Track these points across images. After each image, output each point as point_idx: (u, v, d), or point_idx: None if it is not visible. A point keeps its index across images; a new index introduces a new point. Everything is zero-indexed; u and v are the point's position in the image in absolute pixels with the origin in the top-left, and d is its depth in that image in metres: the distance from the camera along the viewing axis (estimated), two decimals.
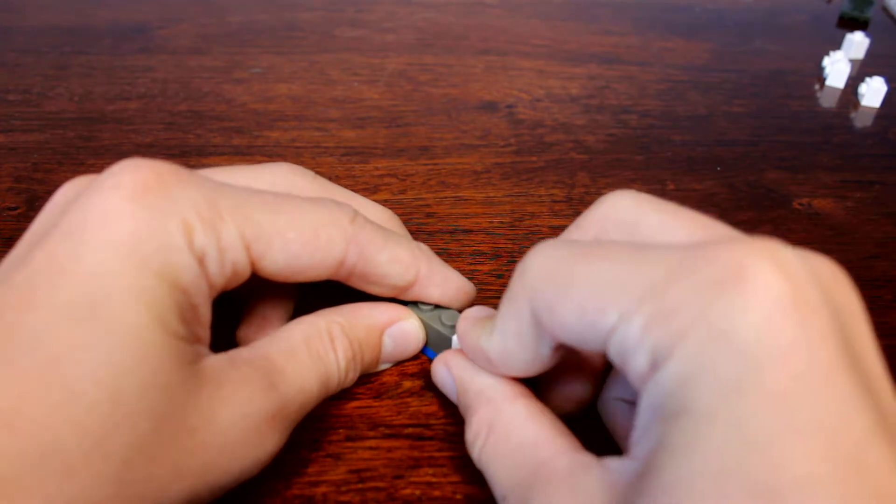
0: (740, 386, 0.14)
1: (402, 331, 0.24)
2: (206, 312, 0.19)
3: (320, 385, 0.21)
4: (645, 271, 0.16)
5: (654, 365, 0.15)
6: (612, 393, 0.22)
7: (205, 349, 0.19)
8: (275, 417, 0.20)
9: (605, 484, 0.17)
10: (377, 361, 0.24)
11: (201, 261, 0.19)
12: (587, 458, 0.18)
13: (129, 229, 0.18)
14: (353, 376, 0.23)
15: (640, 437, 0.16)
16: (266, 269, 0.21)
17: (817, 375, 0.14)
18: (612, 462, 0.17)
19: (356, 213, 0.22)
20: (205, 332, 0.20)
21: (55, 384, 0.16)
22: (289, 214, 0.21)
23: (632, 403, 0.21)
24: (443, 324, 0.24)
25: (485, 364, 0.21)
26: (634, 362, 0.16)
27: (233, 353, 0.20)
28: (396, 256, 0.23)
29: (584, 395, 0.22)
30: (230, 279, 0.20)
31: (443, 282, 0.24)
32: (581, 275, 0.17)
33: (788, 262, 0.15)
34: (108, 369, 0.16)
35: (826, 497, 0.13)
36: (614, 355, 0.17)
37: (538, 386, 0.22)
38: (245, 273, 0.20)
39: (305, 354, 0.21)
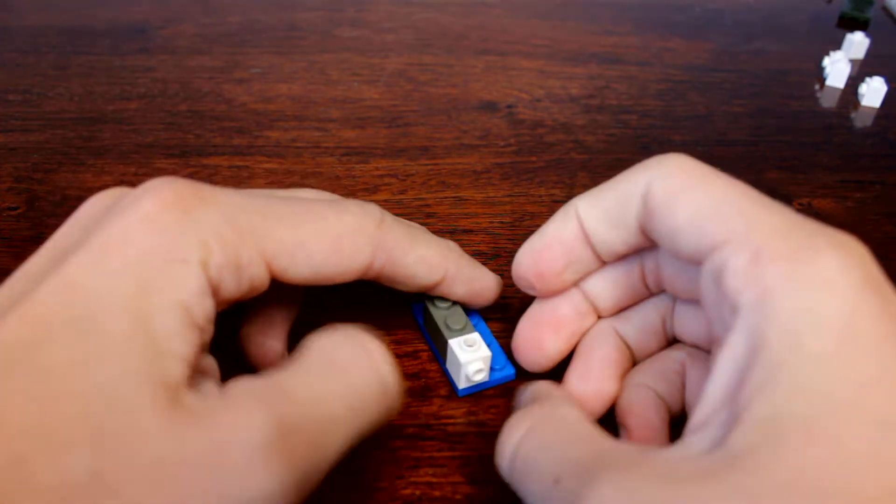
0: (854, 338, 0.16)
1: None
2: (208, 331, 0.19)
3: (347, 405, 0.18)
4: (767, 214, 0.18)
5: (756, 301, 0.16)
6: (639, 379, 0.23)
7: (205, 378, 0.19)
8: (273, 444, 0.16)
9: (687, 457, 0.16)
10: None
11: (216, 281, 0.18)
12: (651, 447, 0.18)
13: (141, 250, 0.18)
14: (398, 378, 0.20)
15: (728, 387, 0.17)
16: (291, 279, 0.21)
17: None
18: (684, 442, 0.17)
19: (383, 215, 0.22)
20: (208, 362, 0.19)
21: (36, 397, 0.16)
22: (312, 225, 0.20)
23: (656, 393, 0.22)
24: (446, 325, 0.24)
25: (558, 224, 0.23)
26: (730, 289, 0.17)
27: (229, 383, 0.18)
28: (423, 258, 0.23)
29: (612, 392, 0.23)
30: (246, 293, 0.20)
31: (469, 281, 0.24)
32: (710, 184, 0.19)
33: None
34: (83, 387, 0.16)
35: None
36: (708, 274, 0.18)
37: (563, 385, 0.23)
38: (263, 287, 0.20)
39: (321, 368, 0.19)
